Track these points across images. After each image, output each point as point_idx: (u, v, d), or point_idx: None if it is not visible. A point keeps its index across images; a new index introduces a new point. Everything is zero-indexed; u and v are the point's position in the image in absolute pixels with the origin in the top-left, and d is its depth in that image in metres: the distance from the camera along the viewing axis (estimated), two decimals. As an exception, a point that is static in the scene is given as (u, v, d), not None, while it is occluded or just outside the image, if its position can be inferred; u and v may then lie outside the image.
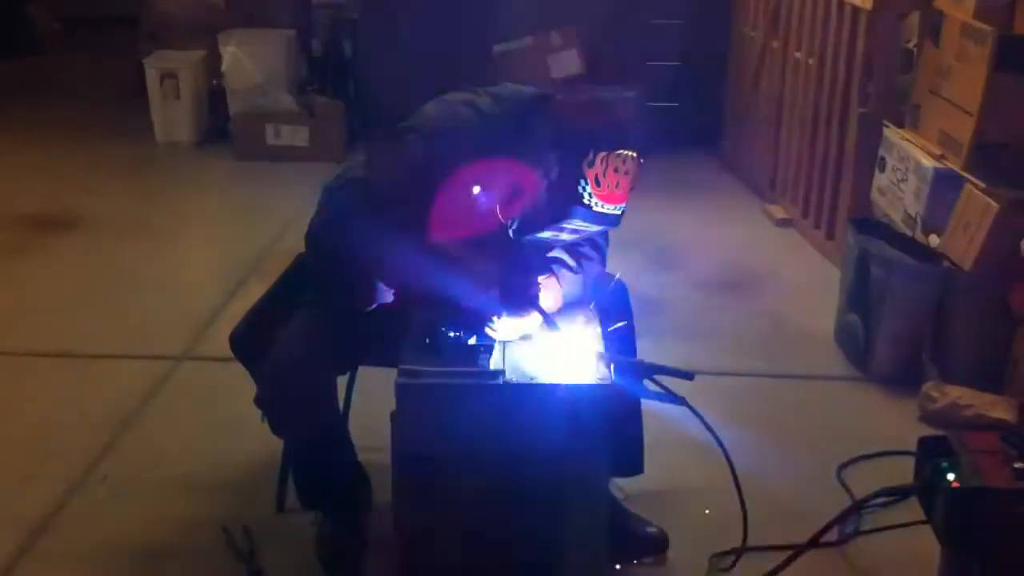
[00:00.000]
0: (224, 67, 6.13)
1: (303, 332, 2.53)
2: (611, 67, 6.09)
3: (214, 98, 6.43)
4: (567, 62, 6.16)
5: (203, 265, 4.81)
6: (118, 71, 7.13)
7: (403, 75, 5.96)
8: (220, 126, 6.35)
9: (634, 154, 2.32)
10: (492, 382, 2.28)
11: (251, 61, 6.09)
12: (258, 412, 2.60)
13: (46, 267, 4.58)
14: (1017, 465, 2.29)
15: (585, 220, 2.37)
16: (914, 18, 4.38)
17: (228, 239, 5.08)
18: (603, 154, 2.29)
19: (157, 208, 5.40)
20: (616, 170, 2.31)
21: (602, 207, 2.34)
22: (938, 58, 3.82)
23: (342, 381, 2.71)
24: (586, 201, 2.32)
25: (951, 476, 2.28)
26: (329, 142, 6.07)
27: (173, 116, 6.35)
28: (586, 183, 2.30)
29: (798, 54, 5.06)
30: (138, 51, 6.63)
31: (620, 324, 2.56)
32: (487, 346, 2.40)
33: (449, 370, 2.31)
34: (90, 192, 5.49)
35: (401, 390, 2.27)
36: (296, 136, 6.11)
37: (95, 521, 2.83)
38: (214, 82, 6.42)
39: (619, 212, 2.38)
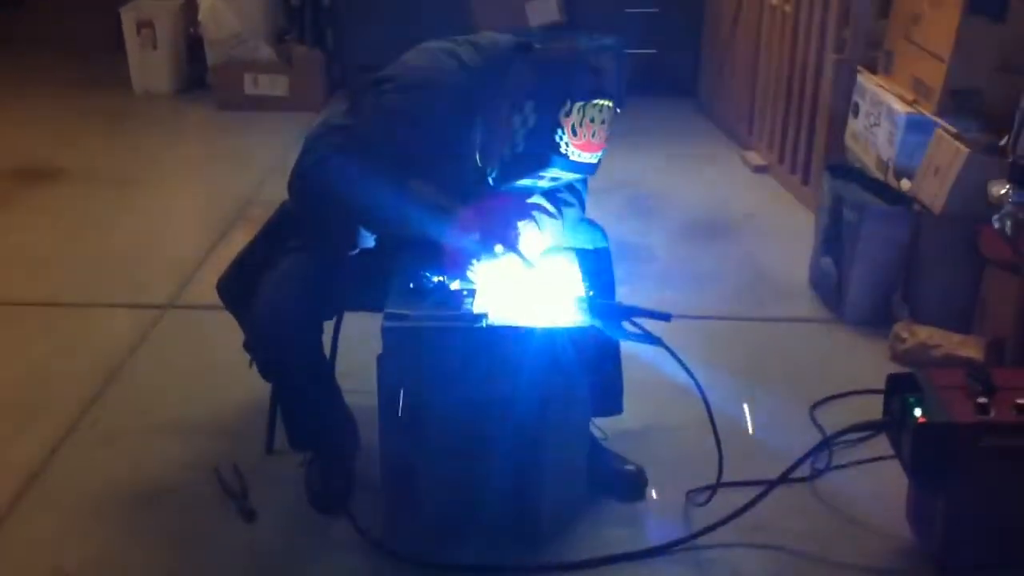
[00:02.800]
0: (201, 16, 6.10)
1: (289, 277, 2.57)
2: (589, 14, 6.11)
3: (192, 47, 6.41)
4: (546, 10, 6.16)
5: (186, 214, 4.83)
6: (95, 21, 7.08)
7: (381, 24, 5.96)
8: (198, 75, 6.34)
9: (610, 104, 2.36)
10: (475, 325, 2.35)
11: (228, 10, 6.05)
12: (247, 356, 2.66)
13: (29, 218, 4.60)
14: (980, 400, 2.38)
15: (562, 168, 2.42)
16: (889, -36, 4.42)
17: (210, 188, 5.10)
18: (579, 104, 2.34)
19: (138, 158, 5.41)
20: (592, 120, 2.35)
21: (579, 156, 2.38)
22: (911, 5, 3.86)
23: (328, 326, 2.77)
24: (563, 150, 2.36)
25: (918, 412, 2.37)
26: (308, 91, 6.08)
27: (151, 66, 6.34)
28: (563, 132, 2.34)
29: (774, 1, 5.09)
30: (115, 0, 6.59)
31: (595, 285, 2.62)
32: (470, 290, 2.47)
33: (434, 313, 2.37)
34: (70, 143, 5.50)
35: (388, 333, 2.33)
36: (275, 85, 6.11)
37: (88, 465, 2.89)
38: (191, 31, 6.39)
39: (596, 160, 2.43)
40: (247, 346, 2.66)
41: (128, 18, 6.27)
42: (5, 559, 2.55)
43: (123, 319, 3.68)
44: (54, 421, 3.06)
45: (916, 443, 2.37)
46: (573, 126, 2.34)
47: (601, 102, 2.35)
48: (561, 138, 2.35)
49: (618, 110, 2.39)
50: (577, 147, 2.36)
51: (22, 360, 3.44)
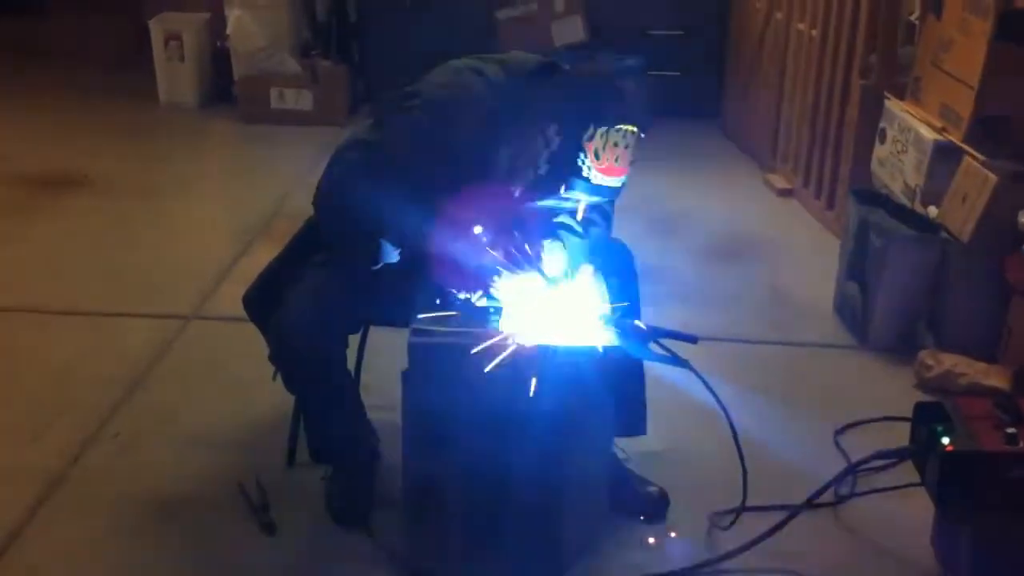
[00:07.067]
0: (229, 29, 6.14)
1: (314, 291, 2.58)
2: (614, 35, 6.11)
3: (218, 60, 6.45)
4: (570, 29, 6.17)
5: (210, 226, 4.84)
6: (122, 32, 7.13)
7: (407, 40, 5.98)
8: (224, 88, 6.38)
9: (634, 129, 2.36)
10: (501, 343, 2.34)
11: (256, 24, 6.09)
12: (271, 369, 2.66)
13: (53, 227, 4.62)
14: (1009, 430, 2.35)
15: (585, 192, 2.41)
16: (917, -10, 4.41)
17: (234, 201, 5.12)
18: (603, 129, 2.33)
19: (163, 170, 5.43)
20: (615, 145, 2.34)
21: (602, 179, 2.38)
22: (940, 31, 3.86)
23: (353, 340, 2.77)
24: (585, 174, 2.36)
25: (945, 440, 2.35)
26: (333, 106, 6.10)
27: (177, 78, 6.37)
28: (585, 156, 2.34)
29: (801, 25, 5.08)
30: (142, 12, 6.64)
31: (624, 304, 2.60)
32: (497, 308, 2.46)
33: (459, 330, 2.37)
34: (95, 153, 5.52)
35: (413, 349, 2.33)
36: (300, 100, 6.14)
37: (109, 474, 2.89)
38: (218, 44, 6.43)
39: (619, 184, 2.42)
40: (272, 358, 2.65)
41: (156, 30, 6.30)
42: (24, 567, 2.55)
43: (146, 329, 3.69)
44: (75, 430, 3.06)
45: (944, 471, 2.35)
46: (596, 150, 2.34)
47: (625, 127, 2.35)
48: (583, 162, 2.35)
49: (642, 135, 2.39)
50: (600, 171, 2.36)
51: (43, 367, 3.45)
